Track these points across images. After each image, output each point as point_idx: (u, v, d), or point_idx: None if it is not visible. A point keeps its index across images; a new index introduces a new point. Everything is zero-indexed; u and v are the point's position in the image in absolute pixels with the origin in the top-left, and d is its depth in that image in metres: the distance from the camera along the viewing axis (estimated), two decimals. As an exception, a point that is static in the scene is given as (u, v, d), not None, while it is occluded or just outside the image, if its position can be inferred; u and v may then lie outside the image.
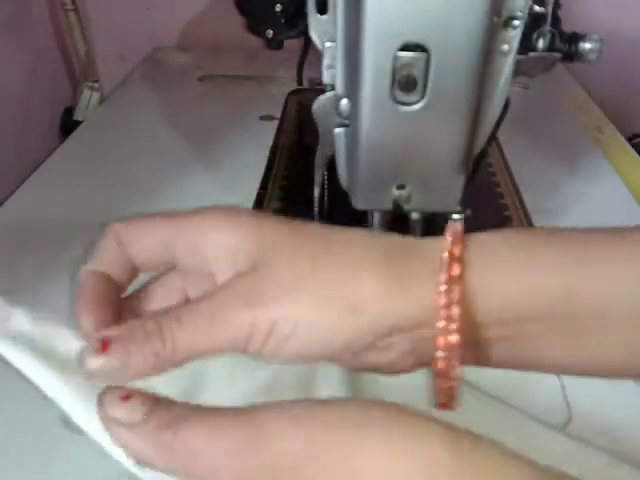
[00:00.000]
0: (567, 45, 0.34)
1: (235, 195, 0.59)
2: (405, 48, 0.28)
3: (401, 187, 0.32)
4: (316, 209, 0.37)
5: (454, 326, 0.23)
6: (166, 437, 0.21)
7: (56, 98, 1.00)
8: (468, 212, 0.34)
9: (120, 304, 0.27)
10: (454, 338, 0.23)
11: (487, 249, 0.25)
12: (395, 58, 0.28)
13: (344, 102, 0.32)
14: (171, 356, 0.23)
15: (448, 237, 0.25)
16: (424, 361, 0.26)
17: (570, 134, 0.72)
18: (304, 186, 0.39)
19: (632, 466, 0.32)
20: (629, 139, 0.75)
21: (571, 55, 0.35)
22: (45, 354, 0.25)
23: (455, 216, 0.34)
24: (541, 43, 0.33)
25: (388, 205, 0.33)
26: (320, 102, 0.33)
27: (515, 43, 0.31)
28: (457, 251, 0.24)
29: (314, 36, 0.33)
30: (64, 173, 0.64)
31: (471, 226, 0.34)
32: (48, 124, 0.97)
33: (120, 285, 0.27)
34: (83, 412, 0.24)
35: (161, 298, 0.28)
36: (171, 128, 0.73)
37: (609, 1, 0.95)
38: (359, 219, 0.37)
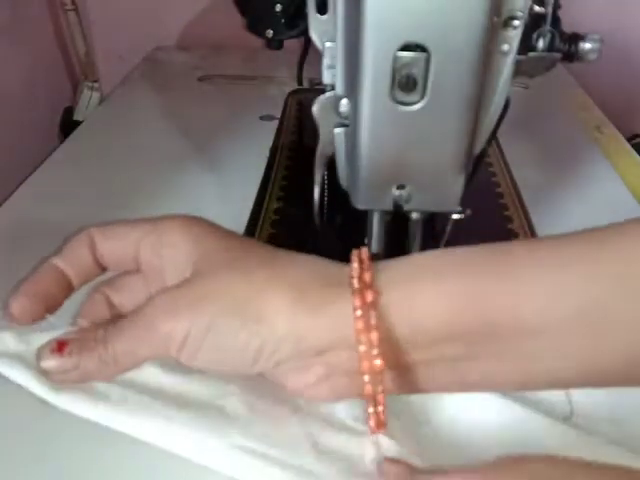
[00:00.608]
0: (567, 45, 0.34)
1: (235, 195, 0.59)
2: (405, 48, 0.28)
3: (401, 187, 0.32)
4: (316, 209, 0.37)
5: (376, 351, 0.24)
6: None
7: (56, 98, 1.00)
8: (468, 212, 0.34)
9: (61, 301, 0.28)
10: (378, 363, 0.24)
11: (395, 275, 0.26)
12: (395, 58, 0.28)
13: (344, 102, 0.32)
14: (113, 361, 0.26)
15: (354, 264, 0.26)
16: (339, 389, 0.26)
17: (570, 134, 0.72)
18: (304, 186, 0.39)
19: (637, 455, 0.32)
20: (629, 139, 0.75)
21: (571, 55, 0.35)
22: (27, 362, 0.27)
23: (455, 216, 0.34)
24: (541, 43, 0.33)
25: (388, 205, 0.33)
26: (320, 102, 0.33)
27: (515, 43, 0.31)
28: (367, 278, 0.25)
29: (314, 36, 0.33)
30: (64, 173, 0.64)
31: (471, 226, 0.34)
32: (48, 124, 0.97)
33: (73, 284, 0.29)
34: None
35: (126, 302, 0.30)
36: (171, 128, 0.73)
37: (609, 1, 0.95)
38: (359, 219, 0.37)
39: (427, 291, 0.25)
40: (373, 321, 0.24)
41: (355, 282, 0.25)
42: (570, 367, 0.25)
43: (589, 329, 0.24)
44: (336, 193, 0.36)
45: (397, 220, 0.36)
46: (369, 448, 0.28)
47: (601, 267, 0.24)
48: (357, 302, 0.24)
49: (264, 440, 0.27)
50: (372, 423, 0.26)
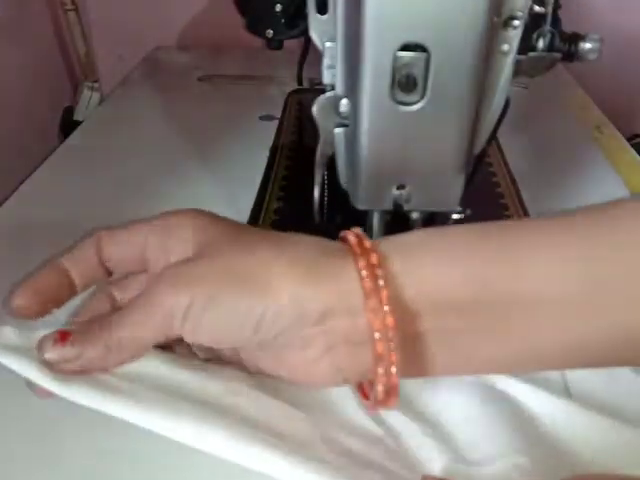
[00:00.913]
0: (567, 45, 0.34)
1: (235, 195, 0.59)
2: (405, 48, 0.28)
3: (401, 187, 0.32)
4: (316, 209, 0.37)
5: (387, 308, 0.24)
6: None
7: (56, 98, 1.00)
8: (468, 212, 0.34)
9: (63, 301, 0.28)
10: (390, 319, 0.24)
11: (395, 245, 0.26)
12: (395, 58, 0.28)
13: (344, 102, 0.32)
14: (118, 347, 0.26)
15: (350, 237, 0.26)
16: (341, 363, 0.26)
17: (570, 134, 0.72)
18: (304, 186, 0.39)
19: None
20: (629, 139, 0.75)
21: (571, 55, 0.35)
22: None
23: (455, 216, 0.34)
24: (541, 43, 0.33)
25: (388, 205, 0.33)
26: (320, 102, 0.33)
27: (515, 43, 0.31)
28: (368, 244, 0.25)
29: (314, 36, 0.33)
30: (64, 173, 0.64)
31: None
32: (48, 124, 0.97)
33: (76, 285, 0.28)
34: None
35: (132, 292, 0.29)
36: (171, 128, 0.73)
37: (609, 1, 0.95)
38: (359, 219, 0.37)
39: (427, 261, 0.25)
40: (381, 281, 0.24)
41: (357, 249, 0.25)
42: (570, 345, 0.25)
43: (589, 303, 0.24)
44: (336, 193, 0.36)
45: (397, 220, 0.36)
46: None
47: (600, 238, 0.25)
48: (362, 263, 0.24)
49: (276, 435, 0.27)
50: (380, 388, 0.24)
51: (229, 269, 0.25)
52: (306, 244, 0.26)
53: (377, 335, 0.24)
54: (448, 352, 0.26)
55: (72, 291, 0.28)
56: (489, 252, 0.25)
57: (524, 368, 0.29)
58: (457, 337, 0.25)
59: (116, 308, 0.29)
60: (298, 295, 0.24)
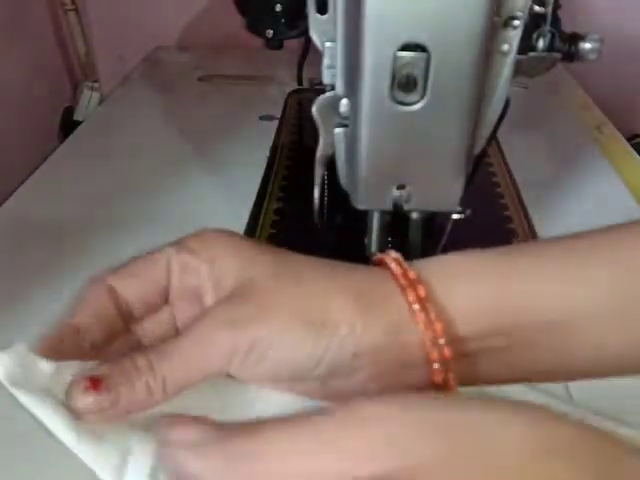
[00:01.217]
0: (567, 45, 0.34)
1: (235, 195, 0.59)
2: (405, 48, 0.28)
3: (401, 187, 0.32)
4: (316, 209, 0.37)
5: (442, 340, 0.24)
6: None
7: (56, 98, 1.00)
8: (468, 212, 0.34)
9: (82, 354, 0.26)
10: (447, 351, 0.24)
11: (435, 272, 0.26)
12: (395, 58, 0.28)
13: (344, 102, 0.32)
14: (162, 389, 0.24)
15: (392, 265, 0.26)
16: (389, 385, 0.26)
17: (570, 134, 0.72)
18: (304, 186, 0.39)
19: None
20: (629, 139, 0.75)
21: (571, 55, 0.35)
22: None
23: (455, 216, 0.34)
24: (541, 43, 0.33)
25: (388, 205, 0.33)
26: (320, 102, 0.33)
27: (515, 43, 0.31)
28: (412, 275, 0.26)
29: (314, 36, 0.33)
30: (64, 173, 0.64)
31: (471, 226, 0.34)
32: (48, 124, 0.97)
33: (98, 344, 0.26)
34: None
35: (151, 334, 0.28)
36: (171, 128, 0.73)
37: (609, 1, 0.95)
38: (359, 219, 0.37)
39: (469, 288, 0.26)
40: (433, 314, 0.24)
41: (402, 280, 0.25)
42: (605, 357, 0.26)
43: (620, 318, 0.25)
44: (336, 193, 0.36)
45: (397, 220, 0.36)
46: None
47: (626, 254, 0.26)
48: (411, 297, 0.25)
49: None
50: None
51: (285, 304, 0.25)
52: (352, 272, 0.27)
53: (436, 366, 0.25)
54: (490, 367, 0.27)
55: (95, 354, 0.26)
56: (523, 274, 0.26)
57: (556, 379, 0.30)
58: (498, 354, 0.26)
59: (137, 348, 0.27)
60: (354, 326, 0.24)
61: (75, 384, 0.24)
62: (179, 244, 0.27)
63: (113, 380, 0.24)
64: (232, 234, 0.28)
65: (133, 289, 0.27)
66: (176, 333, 0.27)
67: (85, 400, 0.23)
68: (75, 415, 0.24)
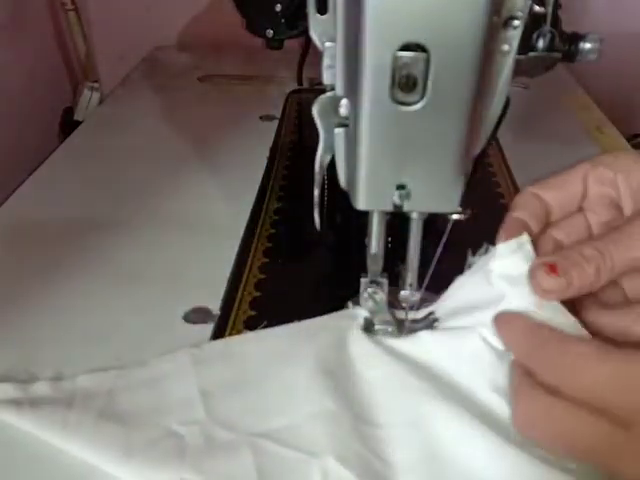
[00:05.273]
0: (567, 45, 0.34)
1: (235, 195, 0.59)
2: (405, 48, 0.28)
3: (401, 187, 0.32)
4: (316, 209, 0.37)
5: None
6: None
7: (56, 98, 1.00)
8: (468, 212, 0.34)
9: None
10: None
11: None
12: (395, 58, 0.28)
13: (344, 102, 0.32)
14: (610, 270, 0.29)
15: None
16: None
17: (570, 134, 0.72)
18: (304, 186, 0.38)
19: None
20: (629, 139, 0.75)
21: (571, 55, 0.35)
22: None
23: (455, 216, 0.34)
24: (541, 43, 0.33)
25: (388, 205, 0.33)
26: (320, 102, 0.33)
27: (515, 43, 0.31)
28: None
29: (314, 36, 0.32)
30: (64, 173, 0.64)
31: (471, 226, 0.34)
32: (48, 124, 0.97)
33: (532, 229, 0.33)
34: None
35: (565, 236, 0.34)
36: (171, 128, 0.73)
37: (609, 1, 0.95)
38: (359, 219, 0.37)
39: None
40: None
41: None
42: None
43: None
44: (336, 193, 0.36)
45: (397, 220, 0.36)
46: (316, 476, 0.30)
47: None
48: None
49: (210, 474, 0.30)
50: None
51: None
52: None
53: None
54: None
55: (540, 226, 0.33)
56: None
57: None
58: None
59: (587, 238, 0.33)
60: None
61: (537, 268, 0.30)
62: (594, 160, 0.33)
63: (564, 265, 0.29)
64: (636, 152, 0.33)
65: (553, 196, 0.33)
66: (589, 237, 0.33)
67: (550, 281, 0.29)
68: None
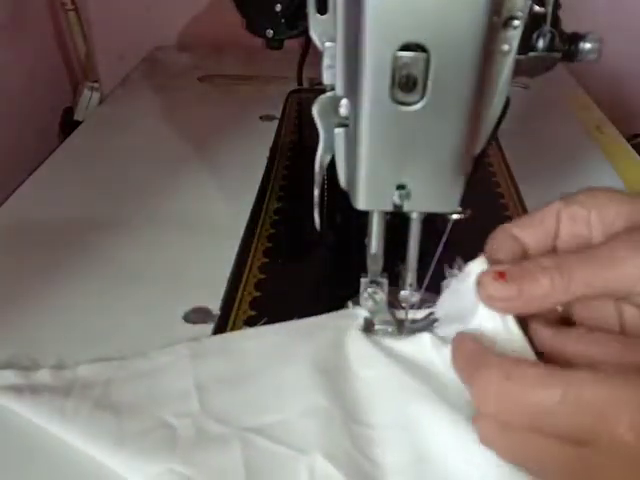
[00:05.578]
0: (567, 45, 0.34)
1: (235, 195, 0.59)
2: (405, 48, 0.28)
3: (401, 187, 0.32)
4: (316, 209, 0.37)
5: None
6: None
7: (56, 98, 1.00)
8: (468, 212, 0.34)
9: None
10: None
11: None
12: (395, 58, 0.28)
13: (344, 102, 0.32)
14: (566, 287, 0.27)
15: None
16: None
17: (570, 134, 0.72)
18: (304, 186, 0.38)
19: None
20: (629, 139, 0.75)
21: (571, 55, 0.35)
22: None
23: (455, 216, 0.34)
24: (541, 43, 0.33)
25: (388, 205, 0.33)
26: (320, 102, 0.33)
27: (515, 43, 0.31)
28: None
29: (314, 36, 0.32)
30: (64, 173, 0.64)
31: (471, 226, 0.34)
32: (48, 124, 0.97)
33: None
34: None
35: None
36: (171, 128, 0.73)
37: (609, 1, 0.95)
38: (359, 219, 0.37)
39: None
40: None
41: None
42: None
43: None
44: (336, 193, 0.36)
45: (397, 220, 0.36)
46: (303, 472, 0.30)
47: None
48: None
49: (199, 466, 0.30)
50: None
51: None
52: None
53: None
54: None
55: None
56: None
57: None
58: None
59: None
60: None
61: (485, 274, 0.29)
62: (569, 198, 0.32)
63: (515, 274, 0.28)
64: (612, 189, 0.32)
65: (529, 234, 0.32)
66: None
67: (495, 286, 0.28)
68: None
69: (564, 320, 0.33)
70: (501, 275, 0.28)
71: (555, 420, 0.24)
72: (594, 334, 0.29)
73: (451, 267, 0.35)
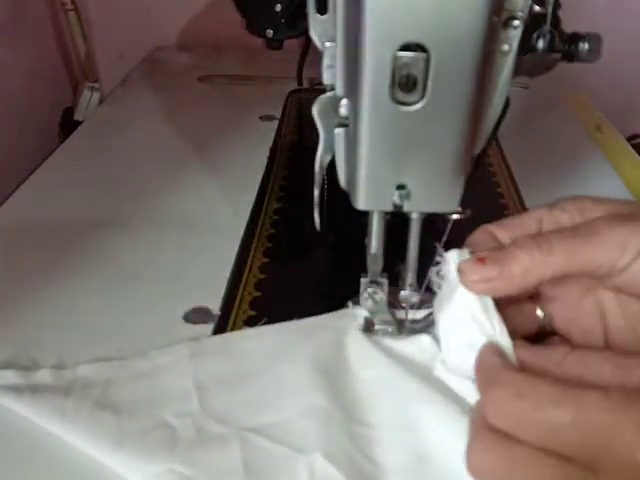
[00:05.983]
0: (567, 45, 0.34)
1: (235, 195, 0.59)
2: (405, 48, 0.28)
3: (401, 187, 0.32)
4: (316, 209, 0.37)
5: None
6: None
7: (56, 98, 1.00)
8: (468, 212, 0.34)
9: None
10: None
11: None
12: (395, 58, 0.28)
13: (344, 102, 0.32)
14: (545, 260, 0.27)
15: None
16: None
17: (570, 134, 0.72)
18: (304, 186, 0.39)
19: None
20: (629, 139, 0.75)
21: (571, 55, 0.35)
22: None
23: (455, 216, 0.34)
24: (541, 43, 0.33)
25: (388, 205, 0.33)
26: (320, 102, 0.33)
27: (515, 43, 0.31)
28: None
29: (314, 36, 0.32)
30: (64, 173, 0.64)
31: (471, 226, 0.34)
32: (48, 124, 0.97)
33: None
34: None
35: None
36: (171, 128, 0.73)
37: (609, 1, 0.95)
38: (359, 219, 0.37)
39: None
40: None
41: None
42: None
43: None
44: (336, 193, 0.36)
45: (397, 220, 0.36)
46: (303, 472, 0.30)
47: None
48: None
49: (198, 466, 0.30)
50: None
51: None
52: None
53: None
54: None
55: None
56: None
57: None
58: None
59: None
60: None
61: (464, 262, 0.30)
62: (552, 203, 0.32)
63: (496, 256, 0.29)
64: (598, 197, 0.31)
65: (508, 236, 0.32)
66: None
67: (474, 270, 0.29)
68: None
69: (544, 334, 0.33)
70: (481, 260, 0.29)
71: (564, 440, 0.24)
72: (581, 353, 0.28)
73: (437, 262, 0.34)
